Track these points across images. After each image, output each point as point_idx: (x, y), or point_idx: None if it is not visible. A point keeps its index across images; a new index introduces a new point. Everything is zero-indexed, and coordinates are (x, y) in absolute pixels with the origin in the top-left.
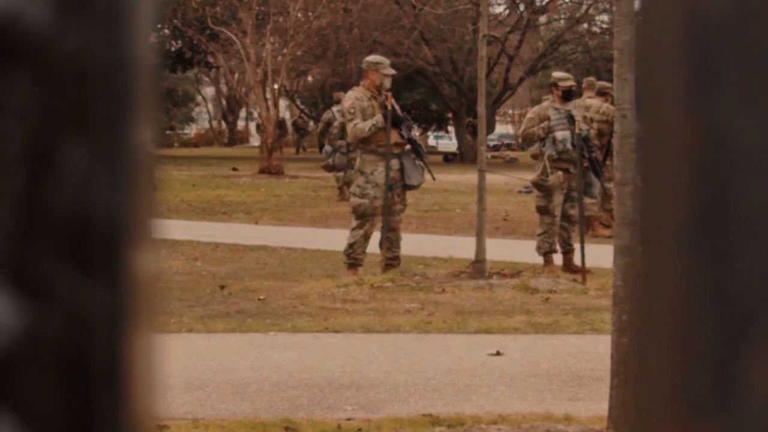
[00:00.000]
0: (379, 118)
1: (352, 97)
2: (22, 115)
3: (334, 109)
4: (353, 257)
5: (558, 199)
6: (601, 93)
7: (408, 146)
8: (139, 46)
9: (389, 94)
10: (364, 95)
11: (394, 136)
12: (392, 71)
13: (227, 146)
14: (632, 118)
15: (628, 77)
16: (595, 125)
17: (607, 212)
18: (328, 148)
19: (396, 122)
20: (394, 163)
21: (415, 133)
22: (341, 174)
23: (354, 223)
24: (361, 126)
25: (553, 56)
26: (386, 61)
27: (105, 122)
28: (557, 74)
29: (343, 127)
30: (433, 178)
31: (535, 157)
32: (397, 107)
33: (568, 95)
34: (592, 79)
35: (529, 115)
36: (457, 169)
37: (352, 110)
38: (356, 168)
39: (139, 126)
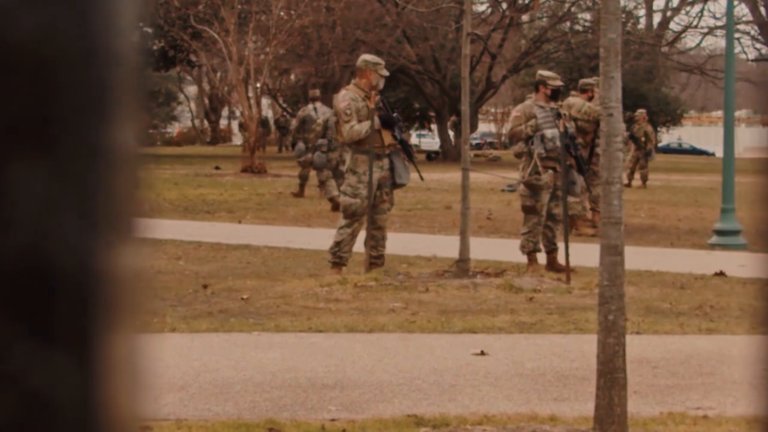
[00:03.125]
0: (376, 120)
1: (347, 98)
2: None
3: (310, 106)
4: (339, 255)
5: (545, 198)
6: (582, 90)
7: (399, 147)
8: (117, 33)
9: (373, 94)
10: (358, 95)
11: (388, 138)
12: (387, 72)
13: (210, 145)
14: (618, 116)
15: (614, 75)
16: (574, 124)
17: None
18: (301, 145)
19: (389, 124)
20: (385, 162)
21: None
22: (309, 171)
23: (342, 221)
24: (358, 128)
25: (536, 55)
26: (382, 61)
27: (72, 131)
28: (545, 73)
29: (325, 126)
30: (422, 178)
31: (519, 155)
32: (389, 108)
33: (555, 95)
34: (590, 81)
35: (514, 114)
36: (439, 168)
37: (348, 111)
38: (347, 168)
39: (117, 134)
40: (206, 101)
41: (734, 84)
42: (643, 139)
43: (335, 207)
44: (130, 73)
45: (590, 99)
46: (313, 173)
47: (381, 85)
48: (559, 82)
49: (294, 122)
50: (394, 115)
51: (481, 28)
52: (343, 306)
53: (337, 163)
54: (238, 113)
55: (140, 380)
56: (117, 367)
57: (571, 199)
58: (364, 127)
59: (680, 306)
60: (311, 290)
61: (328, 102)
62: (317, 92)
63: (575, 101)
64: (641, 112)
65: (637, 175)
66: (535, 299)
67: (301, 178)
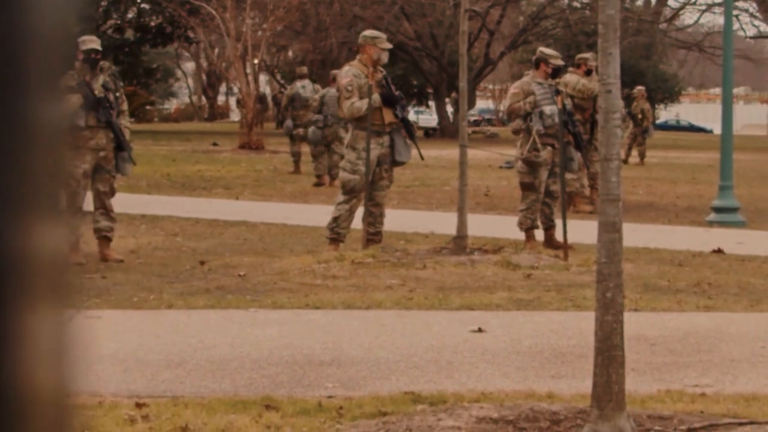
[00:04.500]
0: (376, 97)
1: (349, 74)
2: None
3: (298, 84)
4: (336, 231)
5: (544, 175)
6: (577, 65)
7: (400, 125)
8: None
9: (371, 70)
10: (361, 72)
11: (389, 116)
12: (389, 45)
13: (207, 121)
14: (617, 93)
15: (612, 52)
16: (571, 101)
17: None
18: (289, 122)
19: (391, 102)
20: (385, 139)
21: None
22: (300, 147)
23: (341, 197)
24: (358, 105)
25: (534, 31)
26: (383, 35)
27: None
28: (547, 51)
29: (321, 102)
30: (422, 158)
31: (516, 132)
32: (392, 86)
33: (556, 74)
34: (585, 56)
35: (512, 90)
36: (437, 145)
37: (349, 87)
38: (347, 144)
39: (36, 105)
40: (204, 77)
41: (732, 61)
42: (640, 116)
43: (319, 184)
44: (54, 37)
45: (588, 73)
46: (306, 149)
47: (384, 58)
48: (560, 62)
49: (283, 100)
50: (397, 93)
51: (479, 4)
52: (341, 283)
53: (332, 140)
54: (235, 89)
55: (69, 359)
56: (38, 350)
57: (568, 175)
58: (364, 104)
59: (678, 283)
60: (308, 267)
61: (323, 78)
62: (305, 69)
63: (570, 78)
64: (640, 89)
65: (634, 152)
66: (533, 276)
67: (294, 155)
